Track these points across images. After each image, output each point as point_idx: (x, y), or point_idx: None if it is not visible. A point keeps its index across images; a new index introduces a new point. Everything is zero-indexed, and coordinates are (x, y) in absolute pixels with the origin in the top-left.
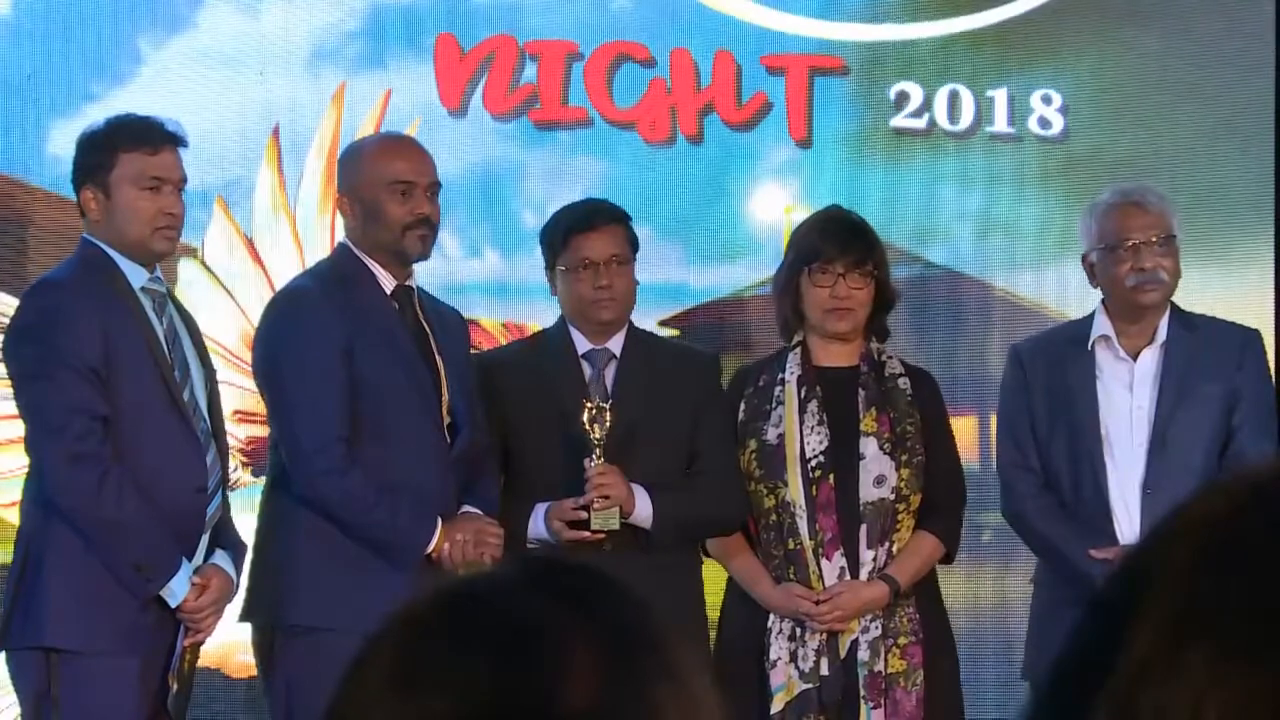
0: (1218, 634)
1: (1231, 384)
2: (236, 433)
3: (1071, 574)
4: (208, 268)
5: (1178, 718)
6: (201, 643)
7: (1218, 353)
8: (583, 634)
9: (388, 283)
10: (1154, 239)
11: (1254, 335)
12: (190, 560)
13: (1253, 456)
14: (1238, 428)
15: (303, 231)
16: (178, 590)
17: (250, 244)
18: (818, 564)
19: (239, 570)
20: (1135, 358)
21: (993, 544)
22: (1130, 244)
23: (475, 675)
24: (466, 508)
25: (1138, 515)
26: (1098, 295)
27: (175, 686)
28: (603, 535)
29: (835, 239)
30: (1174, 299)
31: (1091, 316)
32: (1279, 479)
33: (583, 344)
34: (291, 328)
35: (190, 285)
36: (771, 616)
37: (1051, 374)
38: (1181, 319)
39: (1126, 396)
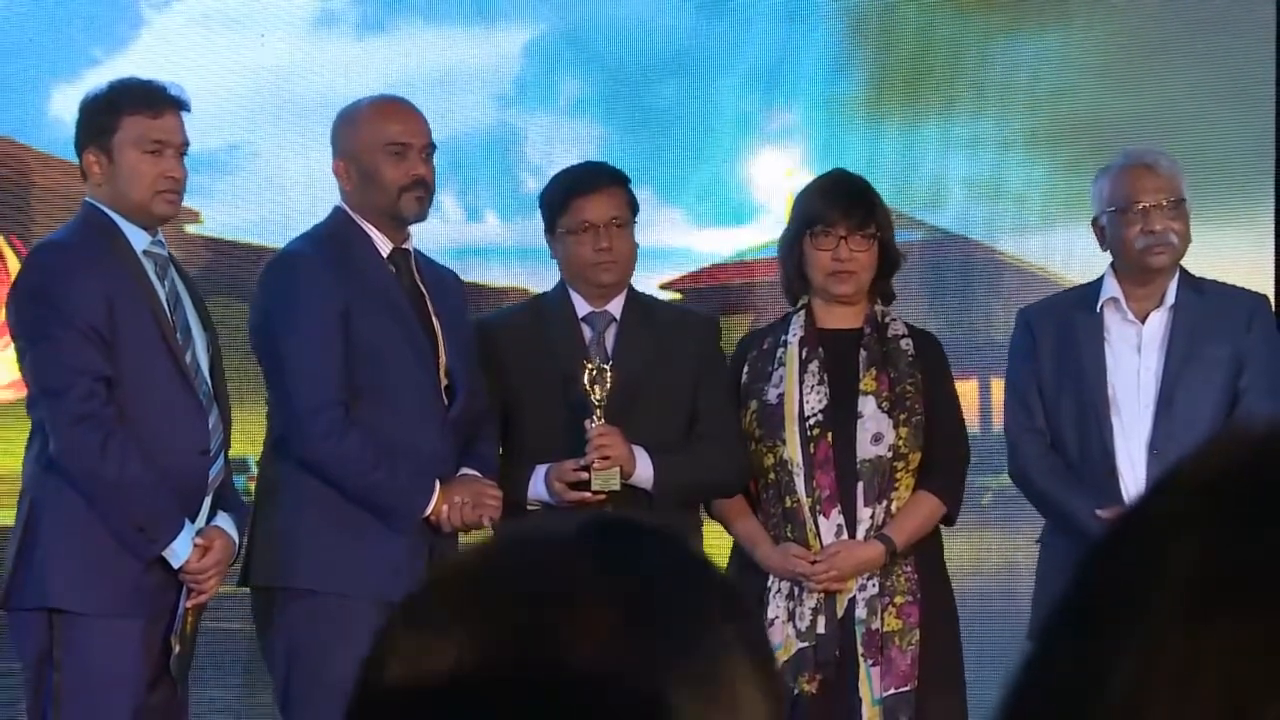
0: (1243, 593)
1: (1239, 348)
2: None
3: (1077, 534)
4: None
5: (1205, 681)
6: (204, 604)
7: (1226, 317)
8: (607, 598)
9: (384, 246)
10: (1164, 202)
11: (1262, 300)
12: (193, 522)
13: (1259, 419)
14: (1244, 391)
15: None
16: (180, 551)
17: None
18: (815, 521)
19: (241, 533)
20: (1143, 320)
21: (999, 506)
22: (1140, 207)
23: (485, 621)
24: (465, 470)
25: (1143, 476)
26: (1102, 260)
27: (178, 648)
28: (603, 496)
29: (837, 202)
30: (1181, 262)
31: (1100, 280)
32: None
33: (583, 307)
34: (288, 291)
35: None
36: (770, 576)
37: (1060, 337)
38: (1190, 283)
39: (1134, 359)
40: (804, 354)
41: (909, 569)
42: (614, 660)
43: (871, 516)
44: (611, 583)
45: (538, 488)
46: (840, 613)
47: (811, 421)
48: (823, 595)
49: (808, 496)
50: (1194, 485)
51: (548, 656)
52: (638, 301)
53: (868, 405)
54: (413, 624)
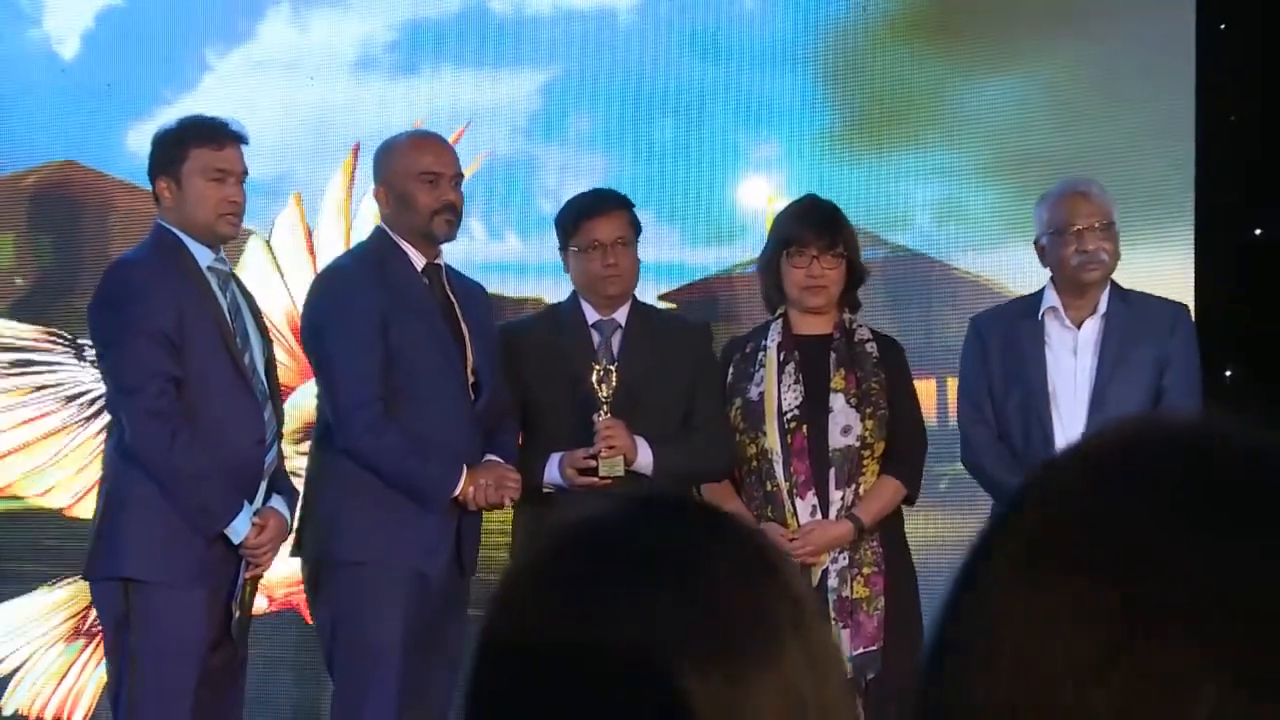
0: (1066, 557)
1: (1162, 350)
2: None
3: None
4: (272, 251)
5: (1020, 627)
6: (260, 575)
7: (1151, 323)
8: (722, 550)
9: (419, 261)
10: (1096, 225)
11: (1182, 309)
12: (251, 503)
13: (1169, 413)
14: (1167, 389)
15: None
16: (240, 529)
17: (310, 235)
18: (792, 503)
19: (292, 512)
20: (1079, 327)
21: (954, 489)
22: (1076, 229)
23: (656, 603)
24: (489, 456)
25: None
26: (1043, 275)
27: (238, 613)
28: (609, 481)
29: (810, 225)
30: (1112, 277)
31: (1041, 291)
32: (1151, 426)
33: (592, 315)
34: (334, 301)
35: (252, 265)
36: None
37: (1006, 341)
38: (1119, 294)
39: (1071, 360)
40: (781, 357)
41: (875, 544)
42: (755, 600)
43: (842, 498)
44: (717, 542)
45: (552, 473)
46: (815, 582)
47: (789, 416)
48: (799, 567)
49: (786, 481)
50: (1061, 465)
51: (711, 616)
52: (640, 310)
53: (837, 401)
54: (568, 613)
